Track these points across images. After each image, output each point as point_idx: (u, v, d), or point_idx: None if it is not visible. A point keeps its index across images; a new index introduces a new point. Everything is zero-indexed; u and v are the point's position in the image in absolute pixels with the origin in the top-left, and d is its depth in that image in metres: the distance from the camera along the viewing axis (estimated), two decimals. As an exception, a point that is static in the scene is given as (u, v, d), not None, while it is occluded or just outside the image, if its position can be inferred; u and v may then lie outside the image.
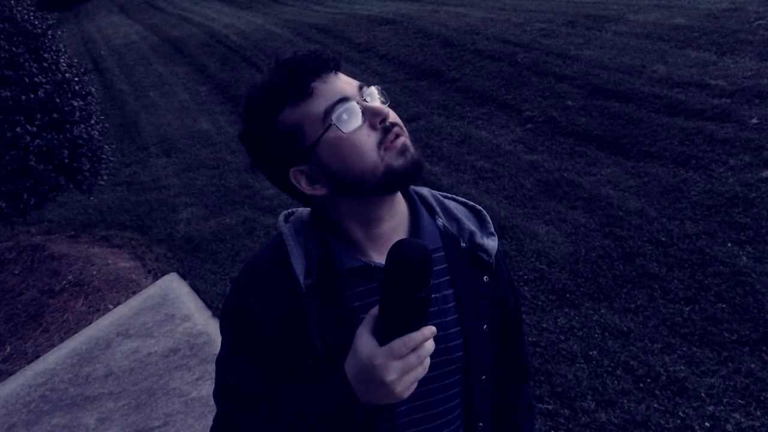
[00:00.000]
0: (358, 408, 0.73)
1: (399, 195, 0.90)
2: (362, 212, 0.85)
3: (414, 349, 0.70)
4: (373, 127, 0.81)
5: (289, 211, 0.96)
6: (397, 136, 0.81)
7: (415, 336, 0.70)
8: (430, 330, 0.71)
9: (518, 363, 1.10)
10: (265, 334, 0.84)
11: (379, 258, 0.85)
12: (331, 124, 0.80)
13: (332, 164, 0.81)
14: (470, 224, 0.94)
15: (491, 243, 0.93)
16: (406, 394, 0.72)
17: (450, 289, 0.89)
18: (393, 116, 0.83)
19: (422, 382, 0.76)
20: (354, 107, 0.80)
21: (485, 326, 0.91)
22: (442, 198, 0.98)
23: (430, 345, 0.71)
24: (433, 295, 0.81)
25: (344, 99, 0.80)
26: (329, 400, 0.76)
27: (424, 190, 0.97)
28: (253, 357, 0.85)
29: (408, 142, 0.83)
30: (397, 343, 0.69)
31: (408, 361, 0.70)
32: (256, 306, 0.84)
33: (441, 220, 0.93)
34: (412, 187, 0.94)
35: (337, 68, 0.84)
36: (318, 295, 0.84)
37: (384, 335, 0.71)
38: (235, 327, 0.86)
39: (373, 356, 0.70)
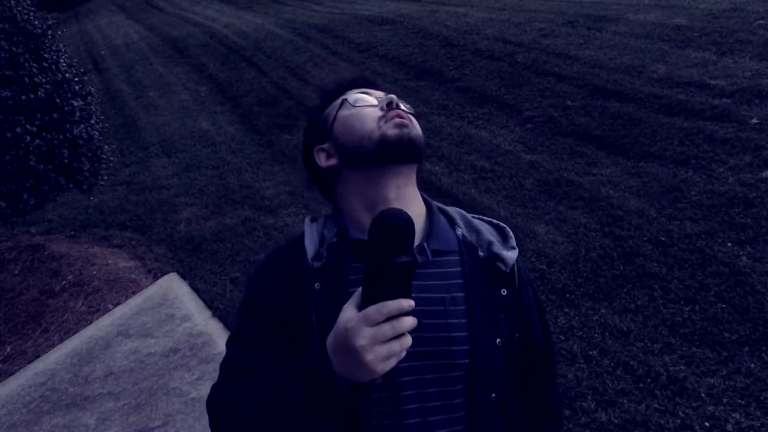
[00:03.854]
0: (333, 379, 0.72)
1: (413, 192, 0.94)
2: (366, 189, 0.91)
3: (390, 321, 0.68)
4: (382, 109, 0.92)
5: (314, 215, 1.02)
6: (400, 115, 0.91)
7: (390, 304, 0.68)
8: (407, 302, 0.69)
9: (546, 402, 1.02)
10: (270, 311, 0.88)
11: None
12: (344, 101, 0.95)
13: (341, 135, 0.93)
14: (490, 236, 0.95)
15: (510, 254, 0.93)
16: (379, 367, 0.69)
17: (461, 292, 0.88)
18: (404, 106, 0.94)
19: (420, 384, 0.78)
20: (368, 95, 0.96)
21: (498, 340, 0.87)
22: (467, 215, 1.00)
23: (409, 321, 0.69)
24: (442, 295, 0.85)
25: (364, 92, 0.97)
26: (307, 370, 0.76)
27: (450, 208, 1.00)
28: (256, 331, 0.88)
29: (409, 123, 0.91)
30: (371, 309, 0.68)
31: (381, 329, 0.68)
32: (266, 285, 0.90)
33: (461, 230, 0.95)
34: (439, 204, 0.99)
35: (371, 85, 1.02)
36: (323, 276, 0.87)
37: (363, 305, 0.71)
38: (247, 305, 0.91)
39: (347, 321, 0.70)
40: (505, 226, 0.99)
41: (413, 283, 0.78)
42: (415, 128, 0.92)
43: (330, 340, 0.74)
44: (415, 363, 0.82)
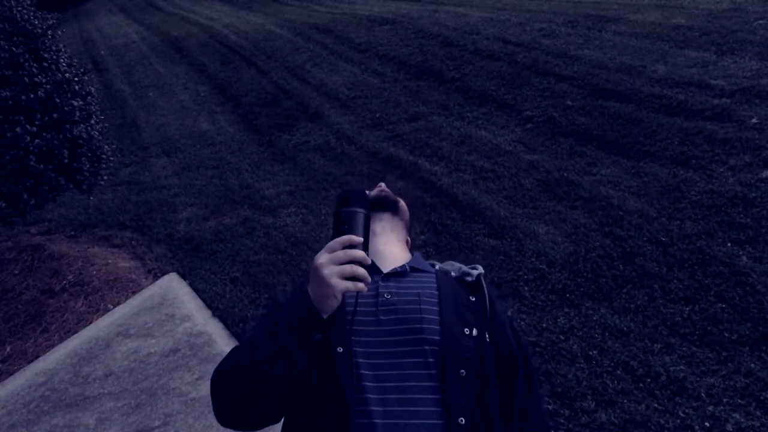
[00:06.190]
0: (307, 299, 0.93)
1: (395, 238, 1.26)
2: None
3: (345, 249, 0.93)
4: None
5: None
6: (382, 188, 1.34)
7: (343, 236, 0.94)
8: (357, 238, 0.95)
9: (532, 420, 1.08)
10: (278, 308, 1.09)
11: (378, 264, 1.16)
12: None
13: None
14: (462, 266, 1.20)
15: (475, 271, 1.16)
16: (333, 280, 0.90)
17: (435, 291, 1.09)
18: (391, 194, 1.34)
19: (397, 355, 0.97)
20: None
21: (466, 330, 1.03)
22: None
23: (360, 253, 0.93)
24: (417, 291, 1.07)
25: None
26: (291, 301, 0.98)
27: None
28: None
29: (387, 191, 1.33)
30: (330, 242, 0.95)
31: (336, 253, 0.92)
32: (282, 296, 1.11)
33: (438, 266, 1.24)
34: (430, 261, 1.27)
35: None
36: None
37: None
38: (268, 309, 1.12)
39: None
40: (478, 265, 1.22)
41: (394, 284, 1.09)
42: (392, 195, 1.32)
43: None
44: (394, 338, 1.01)
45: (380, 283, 1.09)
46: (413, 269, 1.16)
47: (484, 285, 1.13)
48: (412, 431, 0.93)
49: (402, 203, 1.35)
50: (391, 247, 1.22)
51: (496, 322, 1.09)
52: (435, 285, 1.10)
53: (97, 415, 2.79)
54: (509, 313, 1.19)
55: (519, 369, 1.07)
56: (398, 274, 1.13)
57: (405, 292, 1.07)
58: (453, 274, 1.16)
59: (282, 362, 0.92)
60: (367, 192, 1.23)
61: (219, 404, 1.01)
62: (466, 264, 1.23)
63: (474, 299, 1.09)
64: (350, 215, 0.99)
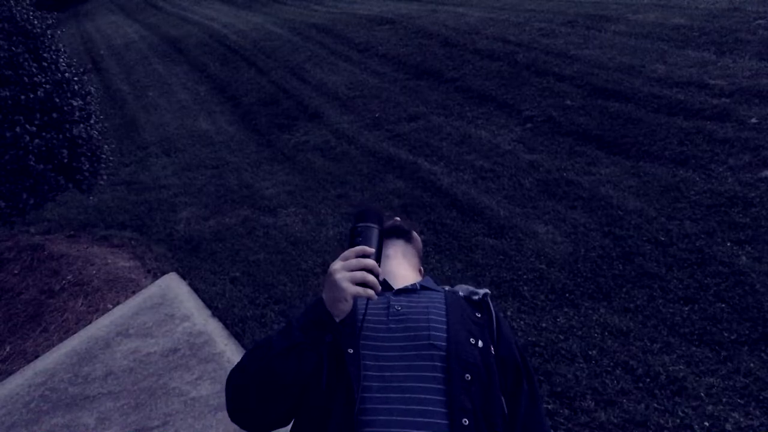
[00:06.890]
0: (321, 302, 1.01)
1: (406, 263, 1.35)
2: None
3: (357, 258, 1.02)
4: None
5: None
6: (396, 220, 1.46)
7: (356, 248, 1.04)
8: (369, 249, 1.04)
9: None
10: None
11: (390, 282, 1.26)
12: None
13: None
14: (469, 286, 1.28)
15: (482, 291, 1.23)
16: (344, 284, 0.98)
17: (443, 305, 1.16)
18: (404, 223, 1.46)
19: (405, 358, 1.03)
20: None
21: (472, 340, 1.09)
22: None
23: (371, 262, 1.01)
24: (426, 305, 1.14)
25: None
26: (308, 306, 1.06)
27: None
28: None
29: (400, 222, 1.44)
30: (345, 252, 1.04)
31: (349, 261, 1.01)
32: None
33: (447, 287, 1.29)
34: (444, 286, 1.34)
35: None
36: None
37: None
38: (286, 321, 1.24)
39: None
40: (484, 288, 1.29)
41: (404, 298, 1.16)
42: (405, 225, 1.44)
43: None
44: (402, 343, 1.07)
45: (391, 297, 1.17)
46: (423, 287, 1.24)
47: (490, 303, 1.20)
48: (417, 429, 0.96)
49: (415, 234, 1.47)
50: (403, 270, 1.32)
51: (502, 337, 1.14)
52: (443, 301, 1.17)
53: (97, 415, 2.79)
54: (509, 313, 1.17)
55: (523, 382, 1.12)
56: (409, 290, 1.21)
57: (415, 305, 1.15)
58: (461, 293, 1.24)
59: (293, 359, 0.99)
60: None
61: (233, 402, 1.06)
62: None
63: (480, 315, 1.16)
64: (364, 230, 1.09)
